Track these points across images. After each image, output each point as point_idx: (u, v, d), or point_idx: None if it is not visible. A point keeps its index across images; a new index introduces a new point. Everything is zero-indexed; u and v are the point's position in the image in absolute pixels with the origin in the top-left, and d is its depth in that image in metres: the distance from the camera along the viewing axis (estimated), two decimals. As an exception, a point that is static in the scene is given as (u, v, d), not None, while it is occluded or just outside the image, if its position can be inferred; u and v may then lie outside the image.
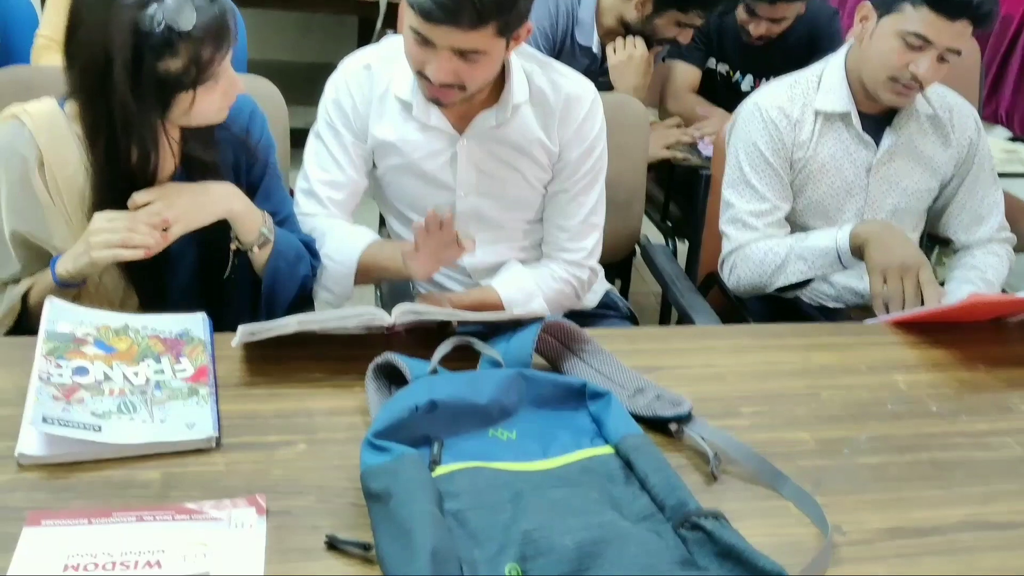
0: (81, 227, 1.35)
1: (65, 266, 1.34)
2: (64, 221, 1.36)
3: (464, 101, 1.50)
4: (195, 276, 1.49)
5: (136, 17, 1.20)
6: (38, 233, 1.37)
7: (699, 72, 2.56)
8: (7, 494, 1.00)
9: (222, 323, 1.30)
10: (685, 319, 1.78)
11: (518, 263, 1.68)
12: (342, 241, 1.57)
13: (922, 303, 1.56)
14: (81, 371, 1.15)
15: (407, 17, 1.39)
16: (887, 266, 1.61)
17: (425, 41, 1.38)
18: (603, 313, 1.81)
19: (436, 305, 1.51)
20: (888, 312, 1.57)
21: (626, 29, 2.26)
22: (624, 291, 2.15)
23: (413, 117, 1.56)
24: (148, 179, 1.36)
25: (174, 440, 1.08)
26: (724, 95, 2.51)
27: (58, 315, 1.22)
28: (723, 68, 2.57)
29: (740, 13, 2.42)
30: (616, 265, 2.05)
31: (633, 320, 1.85)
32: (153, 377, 1.17)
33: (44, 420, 1.04)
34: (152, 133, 1.29)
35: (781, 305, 1.88)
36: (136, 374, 1.17)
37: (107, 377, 1.15)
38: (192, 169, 1.42)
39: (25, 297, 1.40)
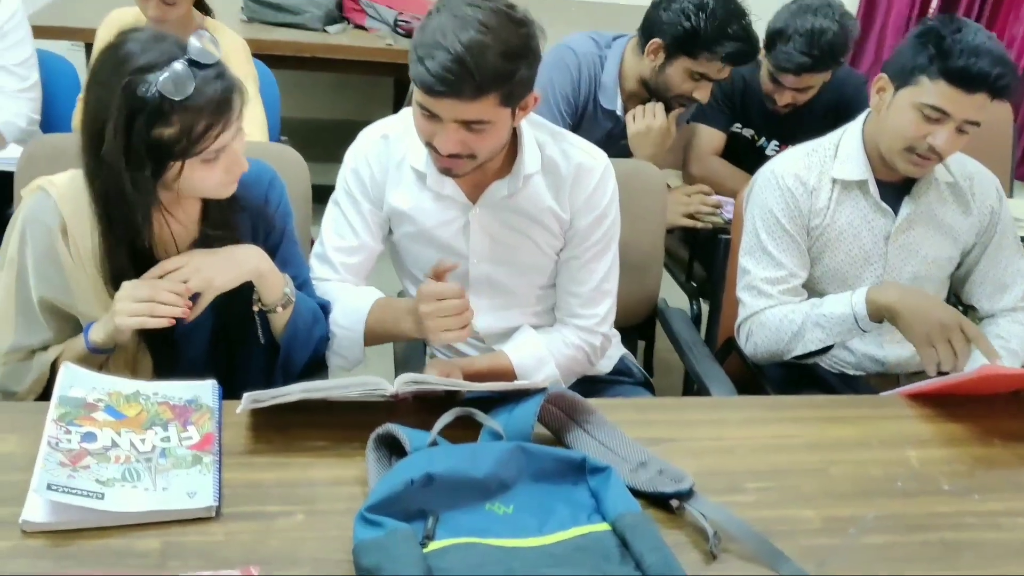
0: (104, 293, 1.39)
1: (97, 333, 1.38)
2: (88, 287, 1.40)
3: (475, 170, 1.52)
4: (210, 340, 1.52)
5: (135, 82, 1.23)
6: (64, 299, 1.41)
7: (723, 136, 2.57)
8: (9, 561, 1.03)
9: (236, 387, 1.31)
10: (700, 387, 1.77)
11: (531, 329, 1.68)
12: (347, 306, 1.60)
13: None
14: (89, 437, 1.17)
15: (414, 92, 1.42)
16: (928, 333, 1.59)
17: (431, 114, 1.41)
18: (617, 379, 1.81)
19: (447, 371, 1.54)
20: (947, 375, 1.55)
21: (647, 90, 2.28)
22: (649, 352, 2.14)
23: (427, 187, 1.59)
24: (160, 246, 1.40)
25: (174, 508, 1.10)
26: (749, 159, 2.51)
27: (72, 380, 1.26)
28: (748, 132, 2.58)
29: (765, 82, 2.43)
30: (635, 328, 2.04)
31: (648, 386, 1.84)
32: (159, 444, 1.20)
33: (49, 487, 1.06)
34: (145, 199, 1.31)
35: (800, 372, 1.86)
36: (143, 441, 1.19)
37: (114, 444, 1.17)
38: (211, 237, 1.46)
39: (54, 364, 1.43)
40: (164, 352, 1.47)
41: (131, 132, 1.25)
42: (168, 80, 1.22)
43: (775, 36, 2.31)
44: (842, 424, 1.41)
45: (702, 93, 2.24)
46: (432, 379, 1.30)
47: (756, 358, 1.83)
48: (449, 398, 1.35)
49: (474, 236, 1.62)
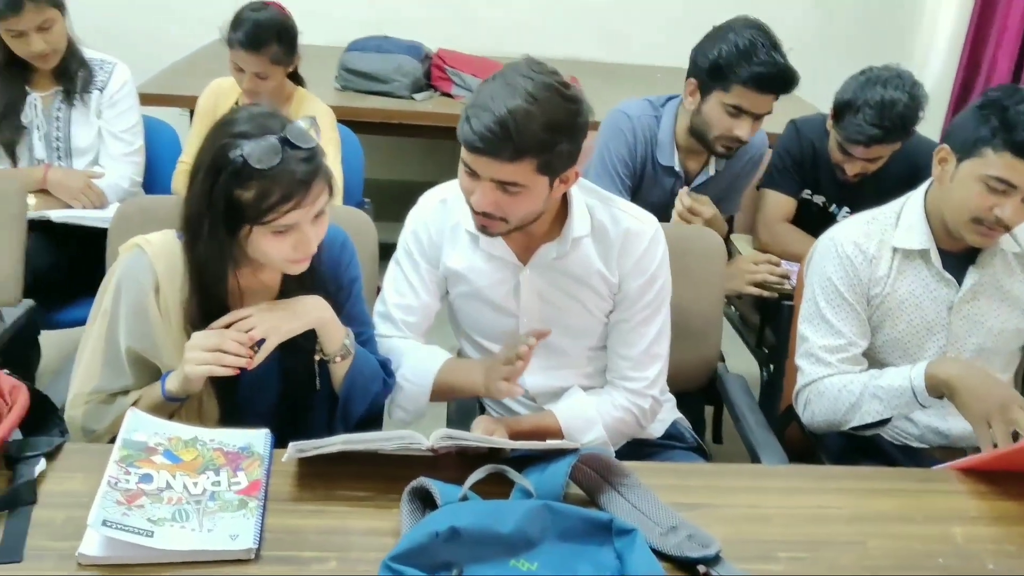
0: None
1: (172, 382, 1.48)
2: (172, 342, 1.49)
3: (520, 232, 1.57)
4: (277, 392, 1.60)
5: (230, 144, 1.34)
6: (150, 351, 1.51)
7: (793, 202, 2.56)
8: (63, 589, 1.11)
9: (299, 436, 1.36)
10: (752, 454, 1.76)
11: (580, 390, 1.71)
12: (418, 362, 1.66)
13: None
14: (147, 478, 1.26)
15: (461, 151, 1.49)
16: (987, 413, 1.55)
17: (471, 171, 1.48)
18: (668, 444, 1.81)
19: (492, 428, 1.58)
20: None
21: (695, 137, 2.30)
22: (718, 418, 2.13)
23: (480, 248, 1.66)
24: (248, 302, 1.50)
25: (216, 549, 1.17)
26: (820, 226, 2.48)
27: (137, 425, 1.35)
28: (819, 199, 2.56)
29: (834, 151, 2.42)
30: (699, 393, 2.04)
31: (701, 452, 1.83)
32: (210, 488, 1.27)
33: (104, 523, 1.14)
34: (222, 250, 1.41)
35: (861, 443, 1.82)
36: (195, 484, 1.27)
37: (169, 485, 1.26)
38: (289, 295, 1.54)
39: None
40: (232, 402, 1.56)
41: (214, 186, 1.36)
42: (255, 148, 1.33)
43: (844, 107, 2.31)
44: (886, 496, 1.39)
45: (743, 129, 2.20)
46: (467, 435, 1.34)
47: (814, 427, 1.81)
48: (492, 455, 1.38)
49: (524, 297, 1.67)
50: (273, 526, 1.23)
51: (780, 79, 2.13)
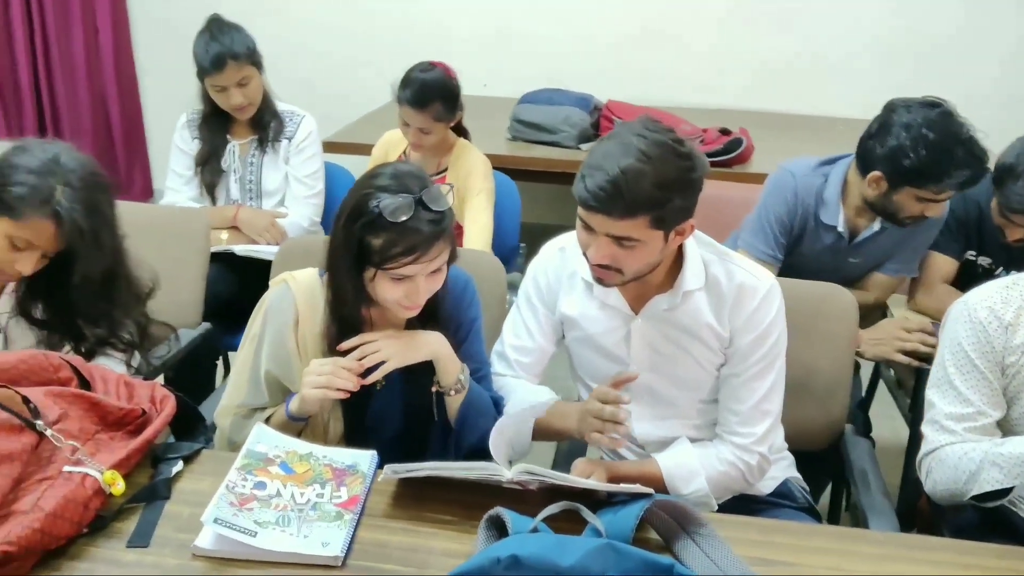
0: None
1: (293, 404, 1.65)
2: (304, 371, 1.65)
3: (634, 283, 1.63)
4: (398, 419, 1.73)
5: (371, 194, 1.51)
6: (285, 376, 1.69)
7: (955, 263, 2.44)
8: (175, 574, 1.27)
9: (416, 460, 1.47)
10: (861, 518, 1.70)
11: (687, 441, 1.73)
12: (522, 400, 1.75)
13: None
14: (260, 486, 1.41)
15: (578, 207, 1.57)
16: None
17: (587, 226, 1.55)
18: (777, 502, 1.78)
19: (590, 470, 1.63)
20: None
21: (870, 208, 2.25)
22: (838, 482, 2.07)
23: (595, 295, 1.73)
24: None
25: (307, 553, 1.30)
26: (985, 290, 2.36)
27: (260, 438, 1.52)
28: (984, 261, 2.43)
29: (995, 214, 2.30)
30: (818, 455, 1.99)
31: (813, 513, 1.79)
32: (313, 499, 1.41)
33: (215, 520, 1.30)
34: (354, 289, 1.57)
35: (990, 518, 1.72)
36: (302, 494, 1.42)
37: (278, 493, 1.41)
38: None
39: (266, 423, 1.72)
40: (358, 428, 1.70)
41: (351, 228, 1.52)
42: (391, 202, 1.49)
43: (1005, 172, 2.18)
44: (982, 572, 1.32)
45: (935, 211, 2.17)
46: (545, 472, 1.40)
47: (935, 497, 1.73)
48: (584, 494, 1.43)
49: (635, 346, 1.71)
50: (363, 538, 1.36)
51: (983, 173, 2.10)
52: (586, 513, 1.32)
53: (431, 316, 1.69)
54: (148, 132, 4.67)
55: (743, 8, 4.12)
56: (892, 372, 2.69)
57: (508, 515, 1.30)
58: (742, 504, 1.74)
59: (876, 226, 2.30)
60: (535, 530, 1.29)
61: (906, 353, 2.24)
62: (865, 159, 2.20)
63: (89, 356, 1.82)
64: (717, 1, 4.13)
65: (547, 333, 1.81)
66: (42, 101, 4.02)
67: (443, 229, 1.53)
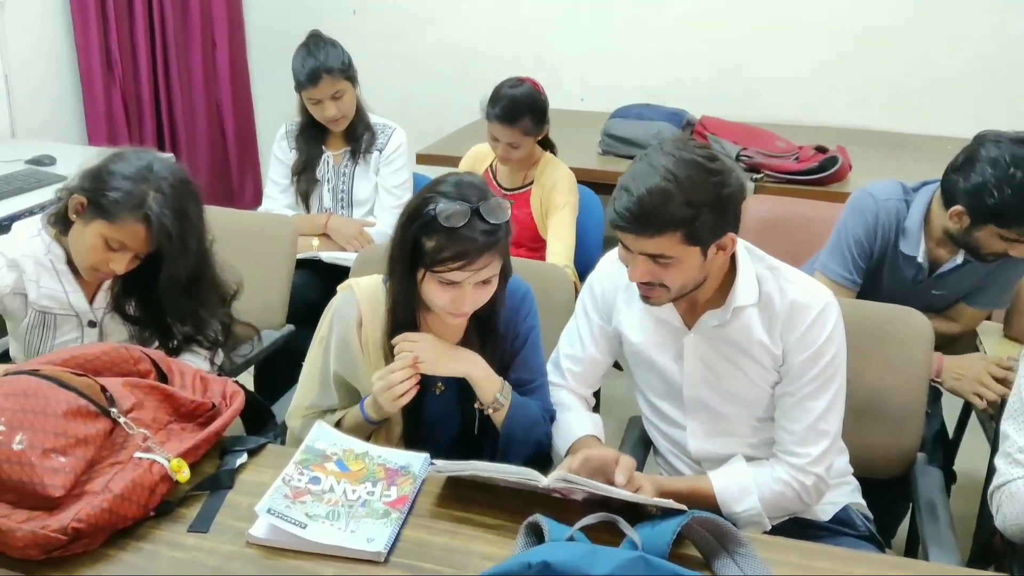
0: None
1: (369, 408, 1.72)
2: (369, 372, 1.73)
3: (673, 299, 1.63)
4: (454, 430, 1.78)
5: (430, 199, 1.57)
6: (351, 376, 1.77)
7: (1053, 290, 2.33)
8: (230, 561, 1.35)
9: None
10: (923, 549, 1.65)
11: (742, 459, 1.71)
12: (565, 428, 1.78)
13: None
14: (315, 480, 1.48)
15: None
16: None
17: (624, 246, 1.57)
18: (836, 528, 1.74)
19: (640, 483, 1.63)
20: None
21: (953, 241, 2.18)
22: (902, 512, 2.01)
23: (649, 310, 1.73)
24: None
25: (352, 547, 1.36)
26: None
27: (320, 435, 1.59)
28: (1084, 288, 2.31)
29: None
30: (888, 483, 1.93)
31: (874, 542, 1.74)
32: (364, 496, 1.47)
33: (268, 511, 1.38)
34: (409, 289, 1.63)
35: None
36: (354, 491, 1.48)
37: (332, 489, 1.47)
38: (470, 341, 1.74)
39: (338, 424, 1.80)
40: (415, 437, 1.76)
41: (408, 228, 1.60)
42: (447, 208, 1.55)
43: None
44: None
45: (1019, 251, 2.09)
46: (581, 480, 1.42)
47: (1006, 532, 1.66)
48: (627, 507, 1.44)
49: (687, 361, 1.71)
50: (407, 536, 1.40)
51: None
52: (623, 525, 1.34)
53: (488, 325, 1.73)
54: (260, 142, 4.90)
55: (852, 25, 4.02)
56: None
57: (546, 522, 1.33)
58: (799, 528, 1.71)
59: (959, 259, 2.21)
60: (571, 539, 1.31)
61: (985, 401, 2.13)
62: (948, 192, 2.12)
63: (176, 352, 1.94)
64: (825, 18, 4.04)
65: (600, 344, 1.82)
66: (161, 112, 4.26)
67: (496, 241, 1.57)
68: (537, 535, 1.36)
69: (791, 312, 1.63)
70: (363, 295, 1.75)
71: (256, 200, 4.93)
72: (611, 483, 1.47)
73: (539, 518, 1.34)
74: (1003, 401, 2.12)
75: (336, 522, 1.40)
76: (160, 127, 4.29)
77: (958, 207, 2.09)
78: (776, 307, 1.64)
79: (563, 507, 1.46)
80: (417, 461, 1.57)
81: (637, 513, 1.41)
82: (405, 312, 1.68)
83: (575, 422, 1.79)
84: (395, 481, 1.51)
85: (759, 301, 1.65)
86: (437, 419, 1.77)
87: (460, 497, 1.50)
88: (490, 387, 1.69)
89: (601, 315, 1.81)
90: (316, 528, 1.38)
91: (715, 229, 1.53)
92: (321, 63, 2.71)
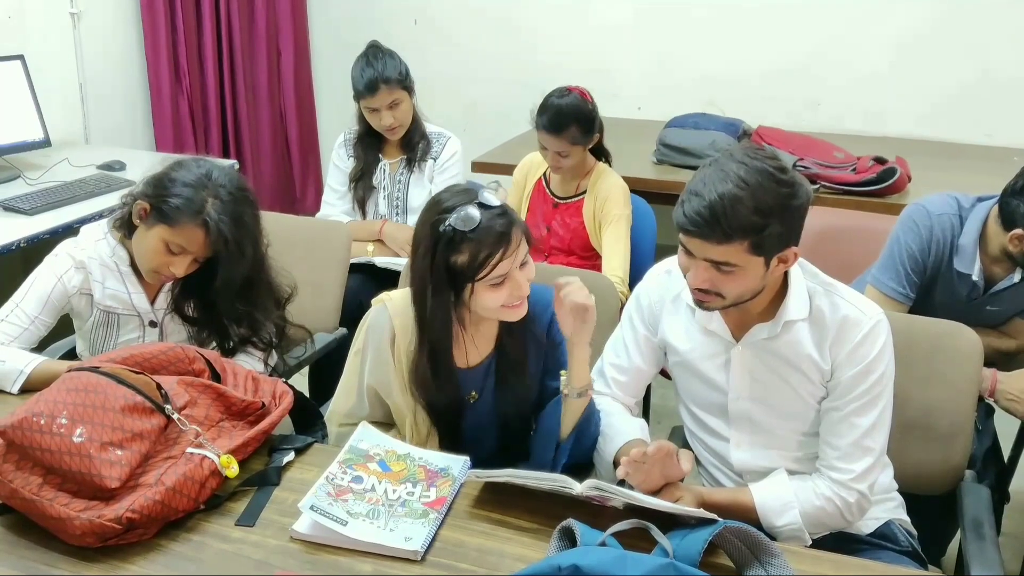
0: (408, 392, 1.75)
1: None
2: (402, 386, 1.77)
3: (735, 308, 1.63)
4: (494, 437, 1.81)
5: (439, 220, 1.60)
6: (384, 389, 1.80)
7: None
8: (274, 555, 1.41)
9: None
10: (966, 567, 1.63)
11: (784, 473, 1.71)
12: (612, 432, 1.79)
13: None
14: (358, 479, 1.53)
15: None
16: None
17: (687, 251, 1.58)
18: (878, 543, 1.72)
19: (679, 495, 1.64)
20: None
21: (1012, 261, 2.14)
22: (949, 530, 1.97)
23: (697, 320, 1.74)
24: (460, 359, 1.74)
25: (390, 545, 1.40)
26: None
27: (364, 436, 1.64)
28: None
29: None
30: (934, 500, 1.91)
31: (917, 558, 1.72)
32: (405, 496, 1.51)
33: (312, 508, 1.43)
34: (444, 315, 1.66)
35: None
36: (395, 491, 1.52)
37: (373, 488, 1.52)
38: (503, 357, 1.77)
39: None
40: (456, 445, 1.77)
41: (434, 258, 1.62)
42: (459, 216, 1.58)
43: None
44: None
45: None
46: (614, 489, 1.44)
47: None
48: (662, 514, 1.46)
49: (734, 373, 1.72)
50: (444, 537, 1.44)
51: None
52: (655, 532, 1.35)
53: (519, 327, 1.74)
54: (322, 150, 5.01)
55: (920, 33, 3.95)
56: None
57: (579, 527, 1.35)
58: (841, 542, 1.70)
59: (1016, 277, 2.17)
60: (603, 544, 1.33)
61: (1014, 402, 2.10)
62: (1009, 214, 2.09)
63: (232, 353, 2.02)
64: (886, 27, 3.98)
65: (645, 354, 1.83)
66: (227, 120, 4.39)
67: (511, 220, 1.61)
68: (570, 539, 1.38)
69: (842, 327, 1.63)
70: (396, 310, 1.79)
71: (318, 206, 5.03)
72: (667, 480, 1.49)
73: (572, 522, 1.37)
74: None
75: (376, 520, 1.45)
76: (225, 135, 4.42)
77: (1019, 231, 2.05)
78: (827, 322, 1.64)
79: (597, 512, 1.48)
80: (457, 464, 1.61)
81: (671, 521, 1.42)
82: (444, 331, 1.70)
83: (623, 426, 1.80)
84: (435, 482, 1.55)
85: (810, 315, 1.65)
86: (473, 429, 1.81)
87: (497, 500, 1.53)
88: (585, 373, 1.71)
89: (647, 326, 1.82)
90: (357, 526, 1.43)
91: (781, 241, 1.53)
92: (379, 73, 2.78)
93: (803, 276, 1.68)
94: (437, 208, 1.63)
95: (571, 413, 1.73)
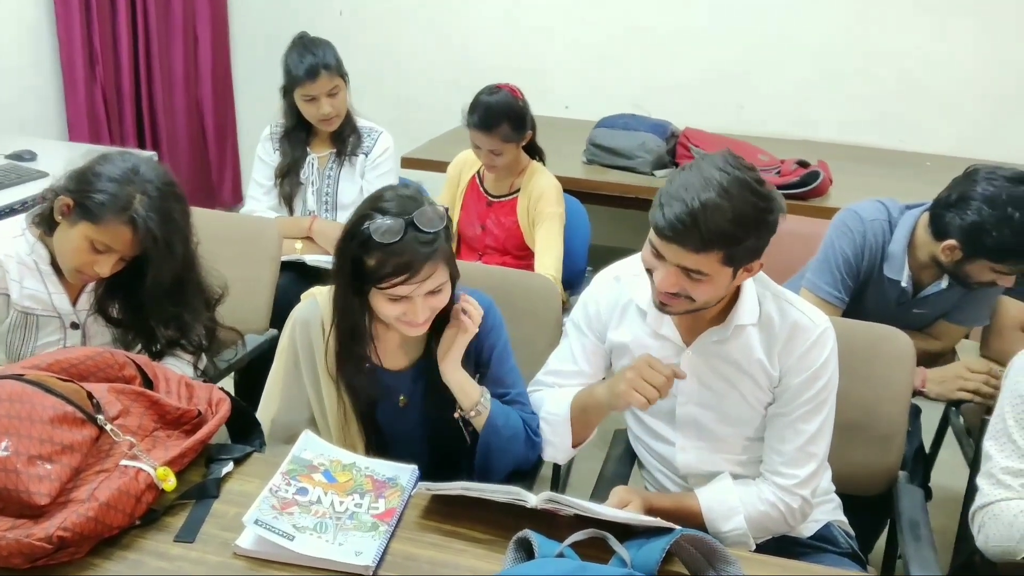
0: (332, 387, 1.72)
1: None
2: (330, 383, 1.73)
3: (692, 314, 1.62)
4: (423, 445, 1.78)
5: (367, 216, 1.57)
6: (313, 385, 1.75)
7: (1029, 309, 2.37)
8: (216, 572, 1.34)
9: (449, 479, 1.52)
10: (906, 569, 1.67)
11: (729, 477, 1.72)
12: (556, 397, 1.78)
13: None
14: (303, 491, 1.47)
15: (650, 231, 1.57)
16: None
17: (657, 253, 1.56)
18: (818, 546, 1.75)
19: (628, 498, 1.64)
20: None
21: (941, 270, 2.20)
22: (892, 530, 2.02)
23: (647, 324, 1.73)
24: (386, 357, 1.73)
25: (340, 561, 1.35)
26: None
27: (307, 445, 1.58)
28: (1059, 307, 2.35)
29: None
30: (869, 500, 1.95)
31: (856, 559, 1.76)
32: (352, 508, 1.46)
33: (256, 522, 1.36)
34: (350, 305, 1.64)
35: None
36: (341, 503, 1.47)
37: (319, 500, 1.46)
38: (431, 363, 1.73)
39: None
40: (379, 448, 1.74)
41: (348, 248, 1.59)
42: (381, 225, 1.54)
43: None
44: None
45: (1008, 281, 2.12)
46: (569, 500, 1.42)
47: (988, 553, 1.67)
48: (620, 524, 1.44)
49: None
50: (395, 550, 1.40)
51: None
52: (613, 542, 1.34)
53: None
54: (240, 142, 4.86)
55: (839, 41, 4.05)
56: (961, 420, 2.61)
57: (536, 538, 1.33)
58: (782, 546, 1.72)
59: (943, 283, 2.24)
60: (561, 555, 1.31)
61: (969, 392, 2.19)
62: (941, 226, 2.14)
63: (159, 356, 1.92)
64: (812, 35, 4.07)
65: (592, 361, 1.82)
66: (142, 108, 4.21)
67: (434, 250, 1.56)
68: (527, 551, 1.36)
69: (791, 333, 1.64)
70: (325, 305, 1.75)
71: (235, 198, 4.90)
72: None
73: (529, 533, 1.34)
74: (982, 423, 2.16)
75: (324, 534, 1.39)
76: (140, 123, 4.24)
77: (952, 242, 2.11)
78: (776, 327, 1.65)
79: (553, 523, 1.45)
80: (405, 473, 1.56)
81: (627, 530, 1.41)
82: (353, 323, 1.67)
83: (561, 392, 1.80)
84: (383, 493, 1.51)
85: (760, 321, 1.66)
86: (402, 434, 1.77)
87: (447, 511, 1.49)
88: (471, 394, 1.69)
89: (596, 333, 1.80)
90: (304, 540, 1.37)
91: (752, 253, 1.53)
92: (319, 59, 2.70)
93: (753, 282, 1.69)
94: (375, 203, 1.60)
95: (478, 427, 1.72)
